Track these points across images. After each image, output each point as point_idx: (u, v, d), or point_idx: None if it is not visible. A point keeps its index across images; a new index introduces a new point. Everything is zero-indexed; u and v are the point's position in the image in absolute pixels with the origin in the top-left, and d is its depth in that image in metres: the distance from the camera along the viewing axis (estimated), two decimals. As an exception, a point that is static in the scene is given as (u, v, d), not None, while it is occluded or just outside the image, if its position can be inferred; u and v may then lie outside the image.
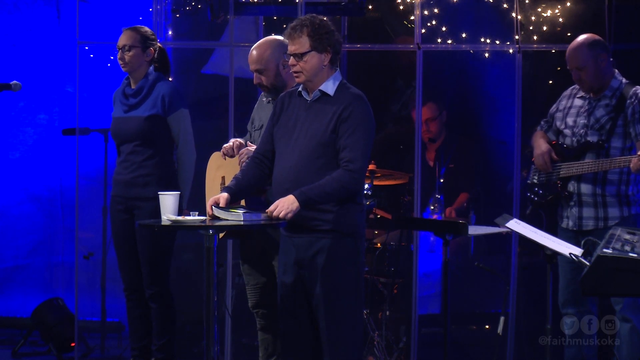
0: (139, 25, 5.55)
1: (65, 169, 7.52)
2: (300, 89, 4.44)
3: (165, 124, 5.41)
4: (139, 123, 5.39)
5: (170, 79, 5.61)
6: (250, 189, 4.49)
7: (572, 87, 5.34)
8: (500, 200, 6.87)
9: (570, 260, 4.01)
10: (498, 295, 6.55)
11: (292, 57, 4.35)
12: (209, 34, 7.10)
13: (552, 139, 5.35)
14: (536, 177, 5.35)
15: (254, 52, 4.92)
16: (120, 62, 5.43)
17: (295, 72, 4.36)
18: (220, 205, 4.28)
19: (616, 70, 5.22)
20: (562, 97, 5.39)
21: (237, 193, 4.38)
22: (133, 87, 5.47)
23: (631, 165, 4.91)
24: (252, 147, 4.86)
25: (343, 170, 4.25)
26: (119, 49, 5.43)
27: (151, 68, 5.48)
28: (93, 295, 7.14)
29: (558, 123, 5.33)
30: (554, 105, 5.41)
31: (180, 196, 4.49)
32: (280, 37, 5.00)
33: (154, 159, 5.37)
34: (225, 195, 4.32)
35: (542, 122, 5.46)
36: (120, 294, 5.69)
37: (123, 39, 5.43)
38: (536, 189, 5.34)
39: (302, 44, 4.32)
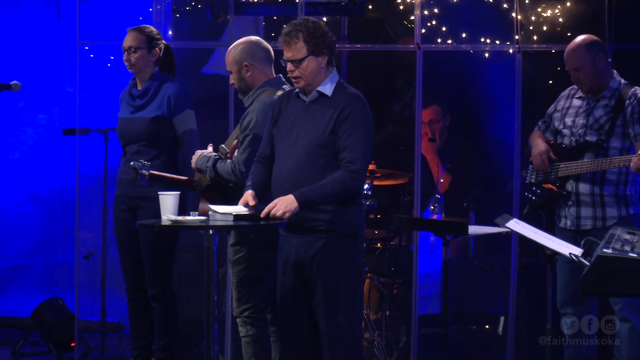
0: (144, 25, 5.53)
1: (65, 169, 7.52)
2: (297, 89, 4.43)
3: (171, 124, 5.41)
4: (144, 124, 5.39)
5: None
6: (264, 185, 4.47)
7: (571, 87, 5.34)
8: (500, 200, 6.86)
9: (568, 260, 4.01)
10: (498, 295, 6.55)
11: (289, 63, 4.33)
12: (209, 34, 7.09)
13: (550, 139, 5.35)
14: (534, 177, 5.35)
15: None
16: (126, 63, 5.42)
17: (294, 78, 4.33)
18: (250, 204, 4.27)
19: (614, 71, 5.22)
20: (560, 98, 5.39)
21: (258, 191, 4.37)
22: (139, 88, 5.47)
23: (631, 165, 4.90)
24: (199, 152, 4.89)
25: (344, 171, 4.24)
26: (125, 50, 5.41)
27: (157, 68, 5.47)
28: (93, 295, 7.14)
29: (556, 123, 5.32)
30: (552, 106, 5.41)
31: (183, 196, 4.49)
32: (251, 38, 4.95)
33: (159, 159, 5.36)
34: (251, 192, 4.31)
35: (539, 123, 5.46)
36: (120, 294, 5.69)
37: (128, 40, 5.41)
38: (534, 188, 5.33)
39: (299, 49, 4.29)
